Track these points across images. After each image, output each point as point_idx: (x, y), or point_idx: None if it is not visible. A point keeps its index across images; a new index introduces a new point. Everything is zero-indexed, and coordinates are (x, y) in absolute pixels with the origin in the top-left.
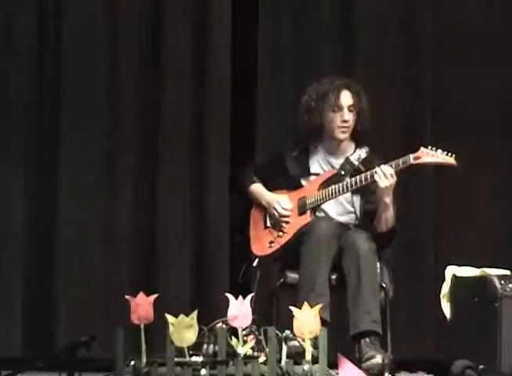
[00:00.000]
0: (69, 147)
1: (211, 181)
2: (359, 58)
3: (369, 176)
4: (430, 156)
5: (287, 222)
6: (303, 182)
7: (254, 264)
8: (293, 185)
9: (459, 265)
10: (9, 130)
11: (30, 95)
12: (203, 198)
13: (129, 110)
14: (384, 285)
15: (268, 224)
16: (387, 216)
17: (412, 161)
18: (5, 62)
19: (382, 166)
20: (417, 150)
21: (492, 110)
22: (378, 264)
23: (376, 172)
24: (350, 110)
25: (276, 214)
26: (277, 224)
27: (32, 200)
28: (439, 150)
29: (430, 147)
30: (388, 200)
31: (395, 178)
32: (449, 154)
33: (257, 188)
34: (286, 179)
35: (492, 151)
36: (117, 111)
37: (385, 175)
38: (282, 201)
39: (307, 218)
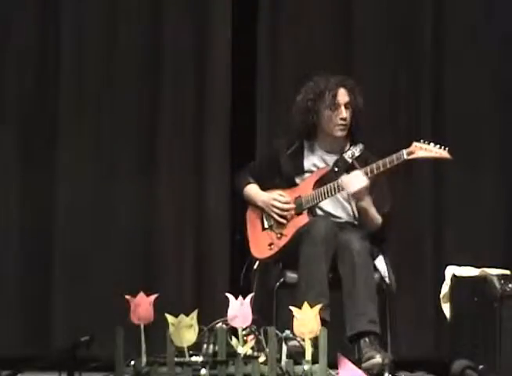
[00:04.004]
0: (68, 147)
1: (211, 181)
2: (359, 58)
3: (369, 170)
4: (423, 150)
5: (290, 217)
6: (297, 180)
7: (255, 267)
8: (287, 183)
9: (459, 265)
10: (7, 130)
11: (30, 95)
12: (204, 198)
13: (129, 110)
14: (387, 281)
15: (266, 226)
16: (370, 218)
17: (405, 157)
18: (4, 62)
19: (346, 174)
20: (410, 145)
21: (492, 110)
22: (384, 262)
23: (341, 181)
24: (347, 108)
25: (277, 210)
26: (277, 224)
27: (30, 199)
28: (432, 144)
29: (422, 141)
30: (364, 203)
31: (366, 180)
32: (443, 147)
33: (253, 189)
34: (280, 178)
35: (492, 151)
36: (116, 111)
37: (351, 181)
38: (278, 197)
39: (304, 218)
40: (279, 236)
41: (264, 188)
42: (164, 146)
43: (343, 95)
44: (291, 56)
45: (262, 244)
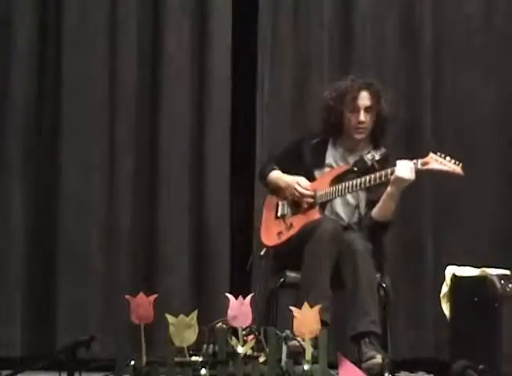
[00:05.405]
0: (69, 147)
1: (211, 181)
2: (359, 58)
3: (383, 175)
4: (438, 163)
5: (310, 201)
6: (316, 173)
7: (262, 253)
8: (306, 175)
9: (459, 265)
10: (10, 130)
11: (30, 96)
12: (203, 198)
13: (129, 110)
14: (384, 285)
15: (279, 214)
16: (388, 208)
17: (419, 167)
18: (4, 62)
19: (405, 160)
20: (426, 155)
21: (492, 110)
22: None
23: (398, 162)
24: (367, 111)
25: (297, 193)
26: (290, 211)
27: (32, 199)
28: (448, 158)
29: (439, 154)
30: (395, 192)
31: (413, 177)
32: (457, 163)
33: (277, 173)
34: (300, 167)
35: (492, 151)
36: (116, 111)
37: (406, 168)
38: (303, 181)
39: (315, 213)
40: (288, 225)
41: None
42: (164, 146)
43: (364, 99)
44: (291, 56)
45: (272, 231)
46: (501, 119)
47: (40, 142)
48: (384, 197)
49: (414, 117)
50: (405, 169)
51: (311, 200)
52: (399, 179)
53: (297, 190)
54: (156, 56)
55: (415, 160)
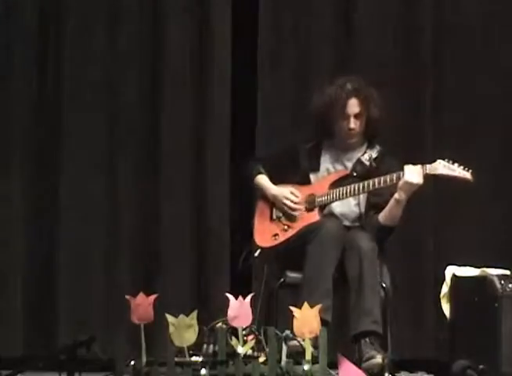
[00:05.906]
0: (69, 147)
1: (212, 181)
2: (359, 58)
3: (388, 179)
4: (446, 168)
5: (302, 210)
6: (312, 176)
7: (256, 254)
8: (301, 178)
9: (459, 265)
10: (9, 130)
11: (31, 95)
12: (204, 198)
13: (129, 110)
14: (384, 285)
15: (274, 217)
16: (395, 214)
17: (427, 172)
18: (5, 62)
19: (412, 165)
20: (434, 161)
21: (492, 110)
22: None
23: (406, 167)
24: (356, 118)
25: (287, 209)
26: (285, 217)
27: (32, 199)
28: (456, 164)
29: (447, 160)
30: (404, 197)
31: (422, 181)
32: (466, 169)
33: (263, 180)
34: (296, 172)
35: (492, 151)
36: (117, 111)
37: (413, 172)
38: (290, 195)
39: (315, 216)
40: (285, 228)
41: (276, 180)
42: (165, 146)
43: (353, 106)
44: (291, 56)
45: (267, 233)
46: (502, 118)
47: (40, 142)
48: (391, 202)
49: (414, 116)
50: (413, 174)
51: (302, 208)
52: (407, 184)
53: (286, 205)
54: (157, 56)
55: (423, 166)
